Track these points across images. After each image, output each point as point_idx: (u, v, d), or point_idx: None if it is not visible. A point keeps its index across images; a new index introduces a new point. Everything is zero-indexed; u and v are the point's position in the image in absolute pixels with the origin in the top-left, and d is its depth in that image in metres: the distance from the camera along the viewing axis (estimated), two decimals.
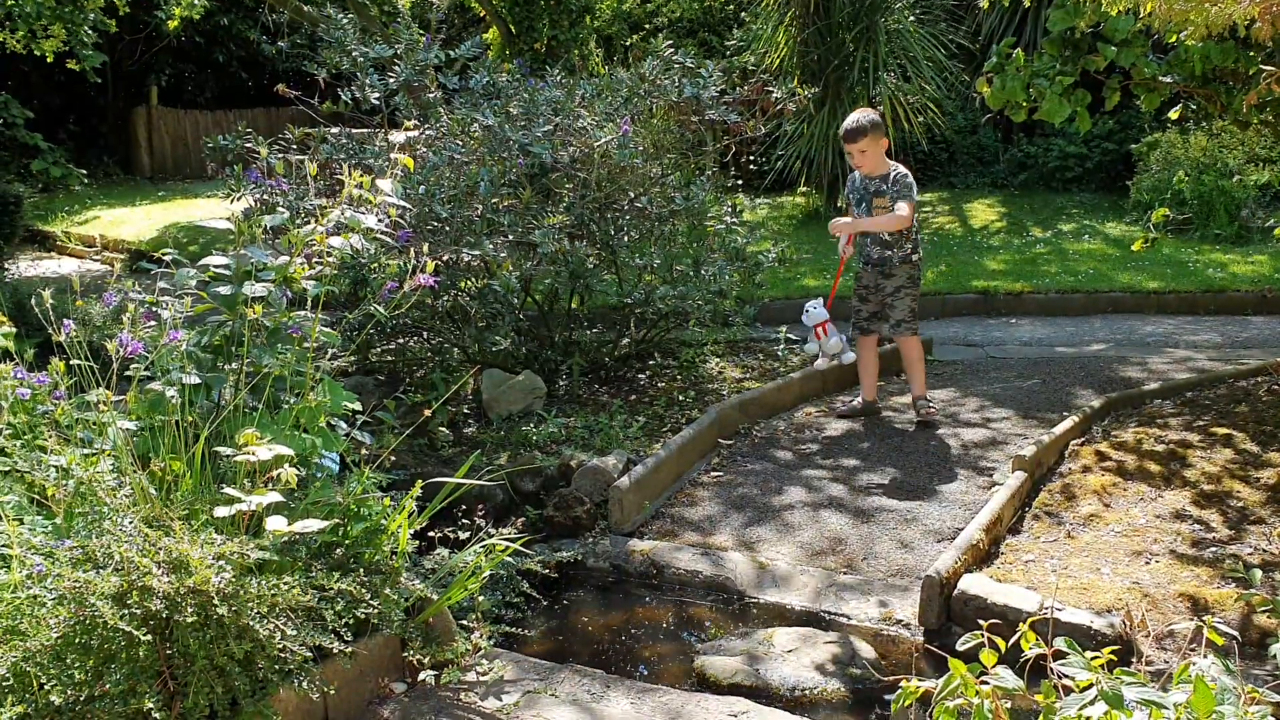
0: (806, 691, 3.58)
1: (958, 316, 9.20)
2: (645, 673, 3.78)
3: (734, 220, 6.59)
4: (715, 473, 5.36)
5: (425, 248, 3.74)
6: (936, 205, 13.76)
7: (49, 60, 13.55)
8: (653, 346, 6.86)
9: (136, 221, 15.61)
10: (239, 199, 5.76)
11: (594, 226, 5.89)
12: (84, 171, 12.59)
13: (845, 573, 4.35)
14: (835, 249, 11.08)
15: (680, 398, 6.13)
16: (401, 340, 6.97)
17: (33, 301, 3.48)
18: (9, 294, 7.49)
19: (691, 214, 6.38)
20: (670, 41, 6.63)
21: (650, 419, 5.79)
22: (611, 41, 13.67)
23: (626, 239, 6.11)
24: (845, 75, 11.96)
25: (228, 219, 3.99)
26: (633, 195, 6.04)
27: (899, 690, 1.92)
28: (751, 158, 9.91)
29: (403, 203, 3.93)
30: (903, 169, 5.66)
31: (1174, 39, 5.09)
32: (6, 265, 12.55)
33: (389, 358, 7.00)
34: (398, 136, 4.31)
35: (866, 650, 3.79)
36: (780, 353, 7.04)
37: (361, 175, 3.67)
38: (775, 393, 6.25)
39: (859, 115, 5.60)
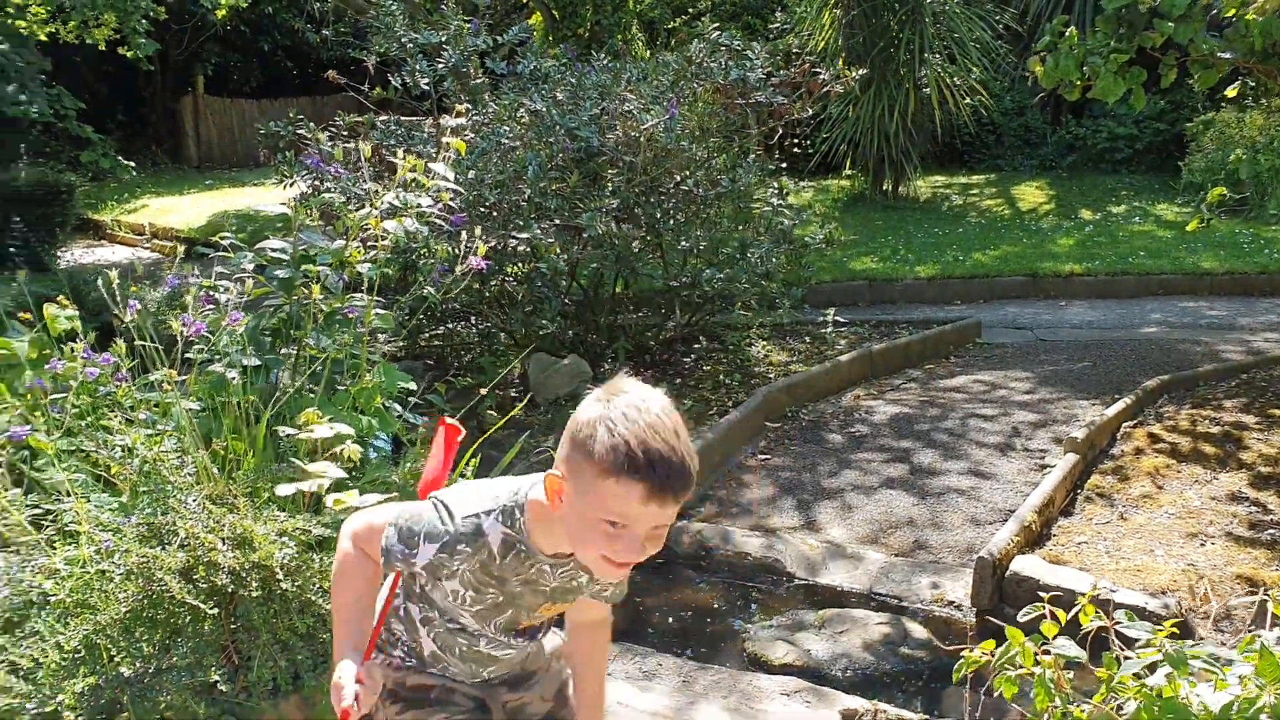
0: (859, 671, 3.58)
1: (1006, 299, 9.11)
2: (696, 652, 3.80)
3: (780, 202, 6.57)
4: (763, 456, 5.37)
5: (478, 230, 3.75)
6: (984, 188, 13.63)
7: (100, 49, 13.74)
8: (698, 330, 6.86)
9: (185, 210, 15.81)
10: (291, 185, 5.82)
11: (639, 210, 5.90)
12: (131, 164, 12.81)
13: (896, 554, 4.34)
14: (884, 230, 11.03)
15: (726, 381, 6.13)
16: (449, 325, 7.02)
17: (99, 284, 3.55)
18: (65, 280, 7.61)
19: (737, 196, 6.36)
20: (716, 25, 6.61)
21: (696, 402, 5.80)
22: (654, 26, 13.64)
23: (672, 222, 6.11)
24: (891, 57, 11.85)
25: (285, 204, 4.05)
26: (679, 178, 6.04)
27: (959, 661, 1.93)
28: (796, 140, 9.83)
29: (456, 186, 3.96)
30: None
31: (1233, 13, 5.00)
32: (60, 253, 12.78)
33: (437, 343, 7.05)
34: (450, 121, 4.34)
35: (918, 631, 3.79)
36: (828, 336, 7.02)
37: (415, 159, 3.70)
38: (823, 376, 6.24)
39: (686, 446, 1.72)
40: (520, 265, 5.91)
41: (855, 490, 4.91)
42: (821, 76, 6.80)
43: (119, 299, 3.44)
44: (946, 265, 9.57)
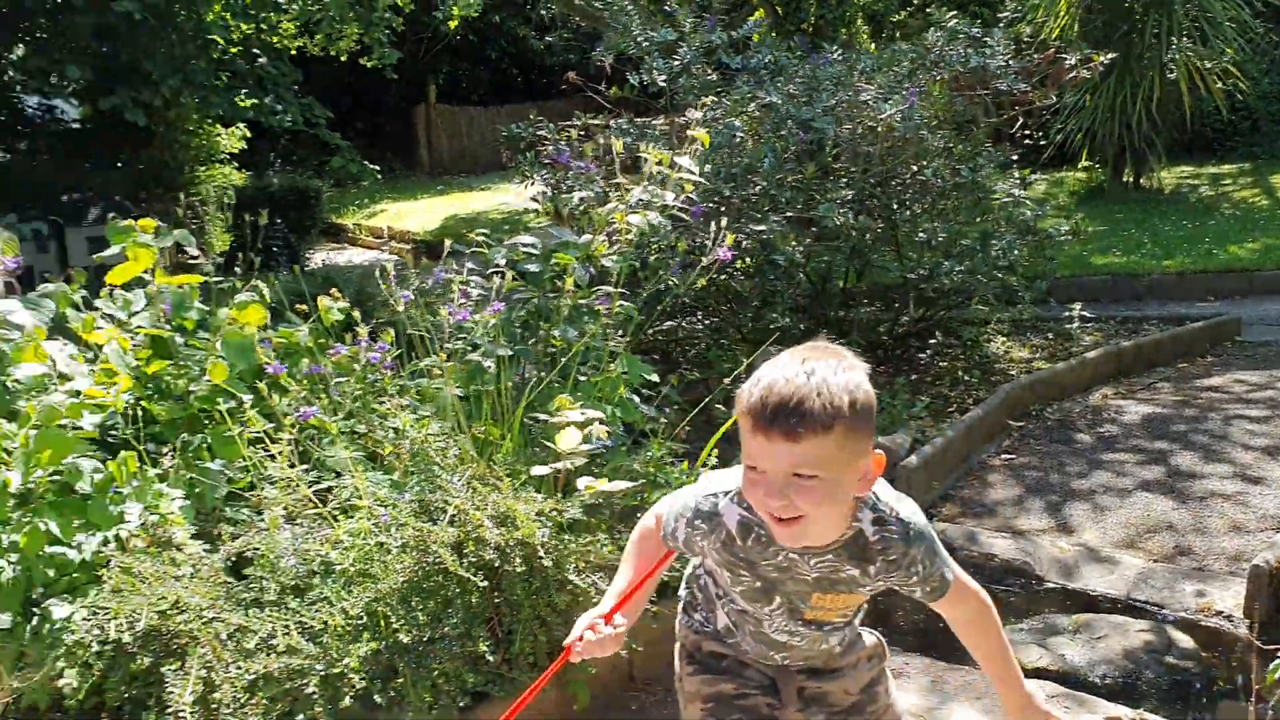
0: (1118, 679, 3.41)
1: (1268, 295, 8.43)
2: (942, 653, 3.70)
3: (1022, 193, 6.32)
4: (1006, 455, 5.18)
5: (724, 222, 3.79)
6: (1237, 178, 12.71)
7: (342, 60, 14.60)
8: (933, 325, 6.68)
9: (419, 214, 16.62)
10: (531, 184, 6.01)
11: (875, 201, 5.80)
12: (377, 168, 13.58)
13: (1155, 560, 4.11)
14: (1125, 223, 10.46)
15: (965, 377, 5.96)
16: (675, 321, 7.07)
17: (380, 278, 3.79)
18: (321, 279, 8.11)
19: (975, 187, 6.16)
20: (953, 14, 6.42)
21: (935, 399, 5.66)
22: (878, 18, 13.38)
23: (908, 213, 5.98)
24: (1134, 42, 11.21)
25: (534, 199, 4.19)
26: (915, 168, 5.90)
27: (1275, 663, 1.80)
28: (1027, 131, 9.42)
29: (700, 178, 4.01)
30: (914, 512, 1.86)
31: None
32: (307, 254, 13.69)
33: (660, 338, 7.12)
34: (694, 114, 4.41)
35: (1183, 640, 3.58)
36: (1073, 332, 6.71)
37: (662, 153, 3.76)
38: (1068, 373, 5.97)
39: (821, 385, 1.63)
40: (747, 259, 5.90)
41: (1107, 492, 4.67)
42: (1068, 62, 6.51)
43: (394, 294, 3.65)
44: (1198, 259, 8.96)
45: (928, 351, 6.45)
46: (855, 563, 1.80)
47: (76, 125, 13.43)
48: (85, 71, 10.30)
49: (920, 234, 5.98)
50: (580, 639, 1.87)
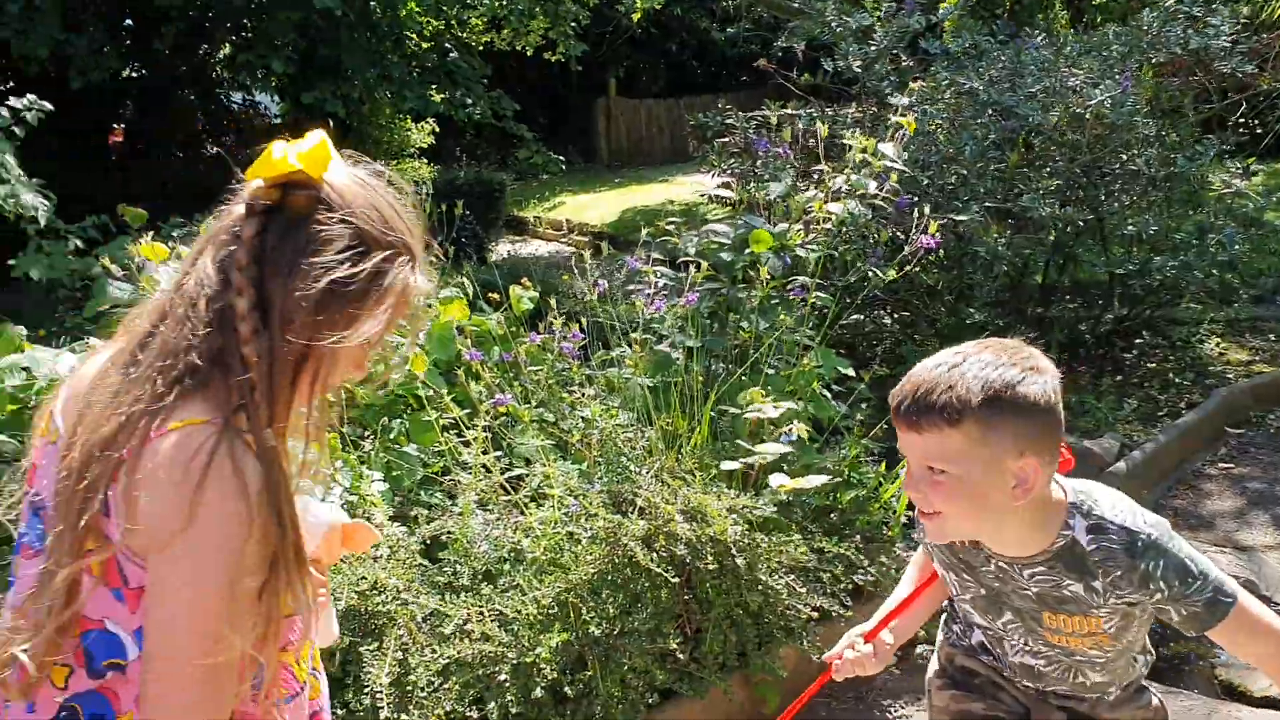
0: None
1: None
2: (1157, 676, 3.45)
3: (1244, 184, 5.87)
4: (1224, 464, 4.82)
5: (927, 209, 3.62)
6: None
7: (527, 54, 14.84)
8: (1139, 324, 6.29)
9: (597, 206, 16.75)
10: (719, 173, 5.94)
11: (1080, 191, 5.48)
12: (561, 159, 13.79)
13: None
14: None
15: (1176, 380, 5.57)
16: (860, 315, 6.87)
17: (574, 268, 3.78)
18: (507, 269, 8.24)
19: (1190, 178, 5.75)
20: None
21: (1143, 401, 5.31)
22: (1076, 2, 12.72)
23: (1116, 204, 5.63)
24: None
25: (722, 186, 4.11)
26: (1125, 157, 5.54)
27: None
28: (1243, 119, 8.70)
29: (904, 167, 3.85)
30: (1148, 524, 1.67)
31: None
32: (491, 246, 13.99)
33: (845, 332, 6.91)
34: (902, 99, 4.24)
35: None
36: None
37: (867, 139, 3.62)
38: None
39: (958, 377, 1.54)
40: (940, 251, 5.66)
41: None
42: None
43: (588, 283, 3.64)
44: None
45: (1133, 352, 6.07)
46: (1075, 576, 1.64)
47: (278, 120, 14.13)
48: (288, 66, 10.78)
49: (1129, 227, 5.62)
50: (840, 657, 1.85)
